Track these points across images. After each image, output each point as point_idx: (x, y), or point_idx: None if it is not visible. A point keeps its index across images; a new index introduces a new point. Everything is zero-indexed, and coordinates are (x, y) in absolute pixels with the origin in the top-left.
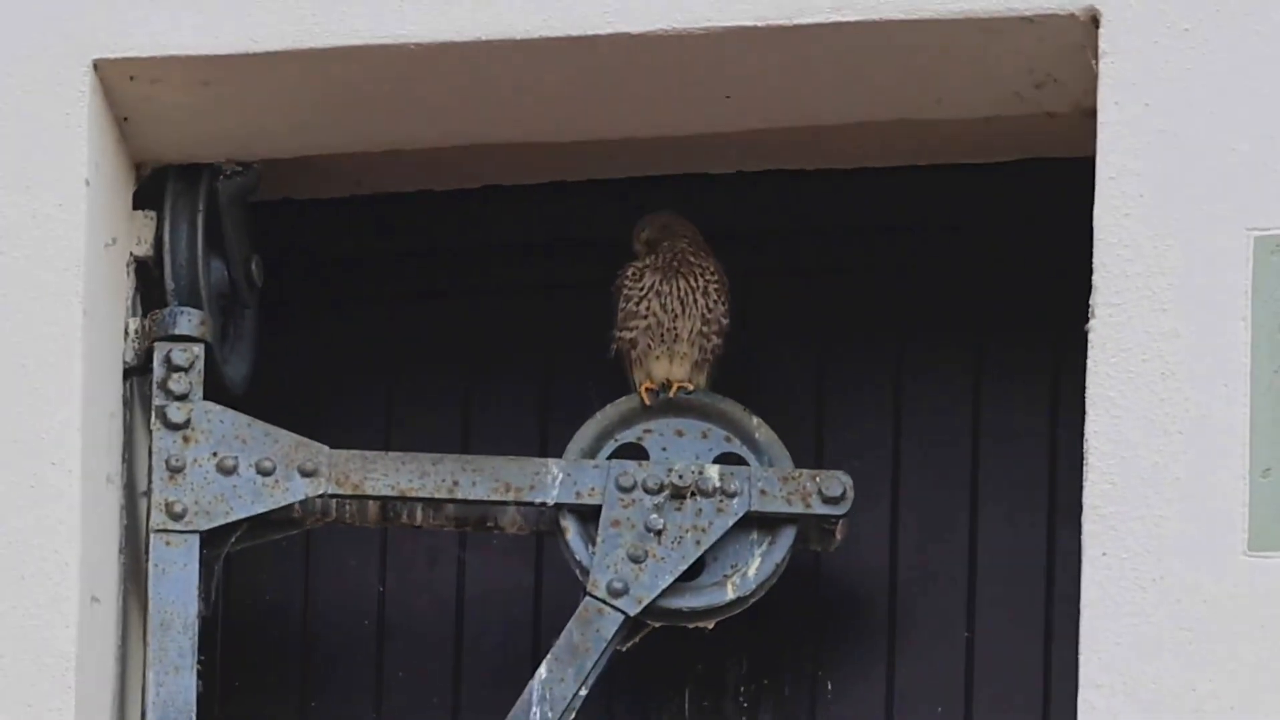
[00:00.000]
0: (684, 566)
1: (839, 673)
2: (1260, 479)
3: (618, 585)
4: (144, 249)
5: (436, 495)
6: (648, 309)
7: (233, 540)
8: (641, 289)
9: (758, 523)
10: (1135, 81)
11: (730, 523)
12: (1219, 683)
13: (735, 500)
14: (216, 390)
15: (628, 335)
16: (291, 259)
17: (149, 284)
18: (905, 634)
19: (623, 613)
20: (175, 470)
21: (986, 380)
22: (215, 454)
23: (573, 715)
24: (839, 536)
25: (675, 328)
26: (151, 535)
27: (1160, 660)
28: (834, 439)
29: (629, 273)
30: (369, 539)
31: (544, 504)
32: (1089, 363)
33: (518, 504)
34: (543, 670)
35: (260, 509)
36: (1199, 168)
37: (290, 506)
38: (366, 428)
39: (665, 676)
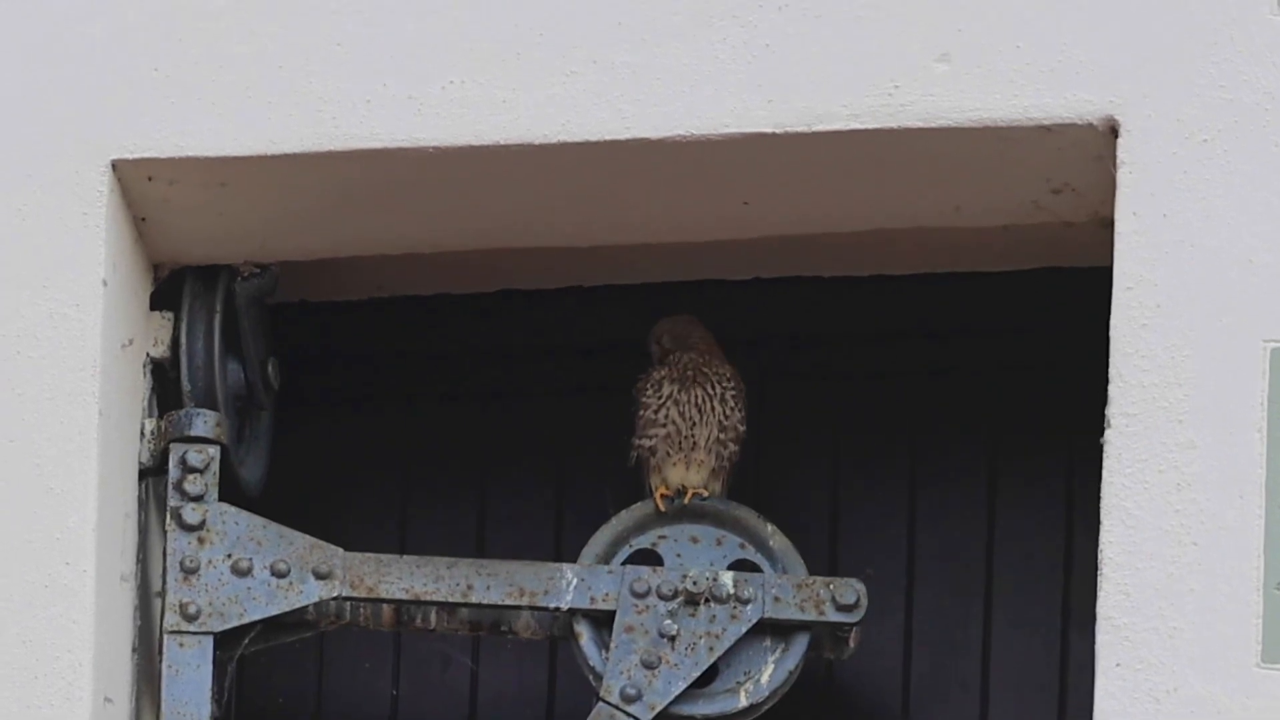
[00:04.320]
0: (697, 673)
1: None
2: (1275, 591)
3: (631, 691)
4: (161, 350)
5: (451, 599)
6: (666, 417)
7: (246, 642)
8: (660, 399)
9: (771, 629)
10: (1153, 192)
11: (744, 629)
12: None
13: (749, 607)
14: (232, 491)
15: (647, 443)
16: (308, 360)
17: (165, 385)
18: None
19: (636, 719)
20: (190, 571)
21: (1001, 489)
22: (230, 555)
23: None
24: (853, 644)
25: (693, 435)
26: (165, 636)
27: None
28: (848, 546)
29: (647, 384)
30: (383, 642)
31: (558, 609)
32: (1104, 473)
33: (532, 609)
34: None
35: (274, 611)
36: (1216, 279)
37: (304, 609)
38: (381, 529)
39: None
